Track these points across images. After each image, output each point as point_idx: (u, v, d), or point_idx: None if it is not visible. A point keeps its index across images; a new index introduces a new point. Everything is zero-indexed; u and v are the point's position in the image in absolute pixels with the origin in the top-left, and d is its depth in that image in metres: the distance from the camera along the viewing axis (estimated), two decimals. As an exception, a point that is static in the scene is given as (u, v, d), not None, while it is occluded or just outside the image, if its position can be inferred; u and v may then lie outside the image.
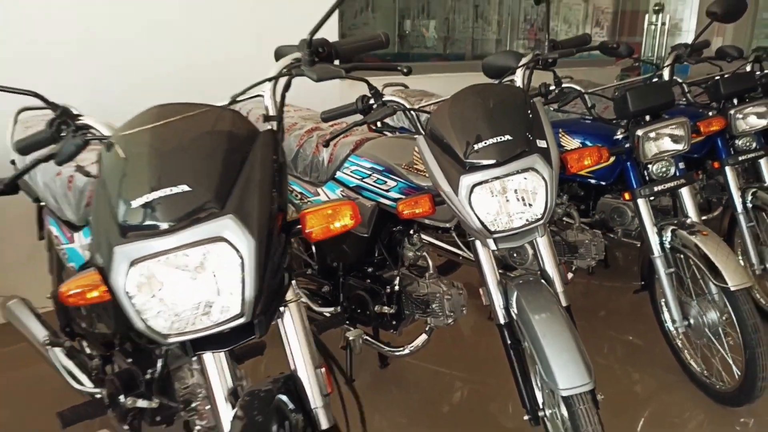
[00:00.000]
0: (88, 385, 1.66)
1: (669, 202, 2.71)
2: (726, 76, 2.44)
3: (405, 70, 1.32)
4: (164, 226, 0.91)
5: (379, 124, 2.59)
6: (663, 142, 2.04)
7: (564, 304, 1.60)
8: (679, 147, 2.04)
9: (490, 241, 1.45)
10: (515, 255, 2.16)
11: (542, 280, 1.60)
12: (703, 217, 2.19)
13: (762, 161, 2.54)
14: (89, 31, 2.71)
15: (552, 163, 1.41)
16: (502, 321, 1.61)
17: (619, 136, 2.14)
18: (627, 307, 2.97)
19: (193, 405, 1.40)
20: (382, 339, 2.18)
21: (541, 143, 1.42)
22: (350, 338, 2.02)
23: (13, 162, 1.86)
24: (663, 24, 6.30)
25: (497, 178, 1.37)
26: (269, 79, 1.19)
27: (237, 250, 0.92)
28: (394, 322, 2.02)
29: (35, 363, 2.10)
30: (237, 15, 3.16)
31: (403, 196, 1.77)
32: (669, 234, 2.05)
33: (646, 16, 6.42)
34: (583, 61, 5.42)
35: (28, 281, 2.32)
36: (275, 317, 1.12)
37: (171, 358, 1.45)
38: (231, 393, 1.12)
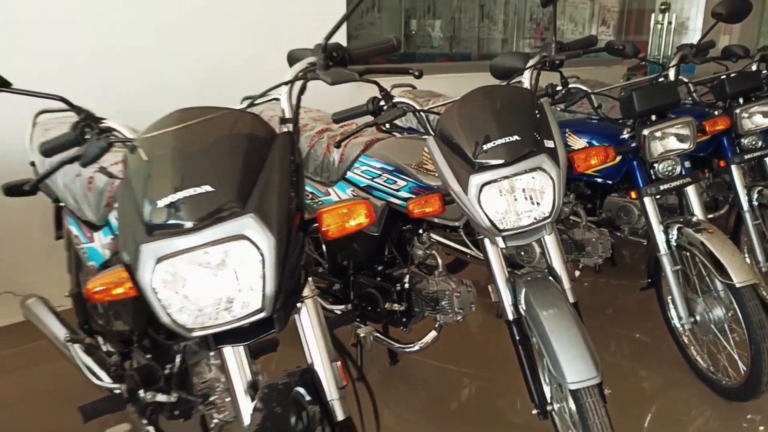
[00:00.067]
0: (107, 381, 1.70)
1: (675, 201, 2.73)
2: (732, 75, 2.46)
3: (417, 74, 1.35)
4: (188, 224, 0.95)
5: (388, 125, 2.63)
6: (669, 141, 2.06)
7: (571, 300, 1.62)
8: (685, 146, 2.06)
9: (499, 239, 1.48)
10: (523, 253, 2.18)
11: (550, 278, 1.63)
12: (710, 216, 2.21)
13: None
14: (105, 37, 2.77)
15: (559, 163, 1.44)
16: (510, 317, 1.64)
17: (625, 135, 2.16)
18: (634, 304, 2.99)
19: (212, 399, 1.43)
20: (392, 336, 2.21)
21: (549, 143, 1.45)
22: (361, 335, 2.05)
23: (32, 164, 1.89)
24: (669, 23, 6.30)
25: (506, 177, 1.40)
26: (286, 83, 1.22)
27: (258, 248, 0.96)
28: (404, 319, 2.05)
29: (53, 360, 2.15)
30: (247, 18, 3.20)
31: (413, 196, 1.80)
32: (675, 232, 2.07)
33: (653, 15, 6.42)
34: (590, 61, 5.42)
35: (45, 280, 2.36)
36: (293, 312, 1.16)
37: (189, 353, 1.49)
38: (250, 386, 1.16)
